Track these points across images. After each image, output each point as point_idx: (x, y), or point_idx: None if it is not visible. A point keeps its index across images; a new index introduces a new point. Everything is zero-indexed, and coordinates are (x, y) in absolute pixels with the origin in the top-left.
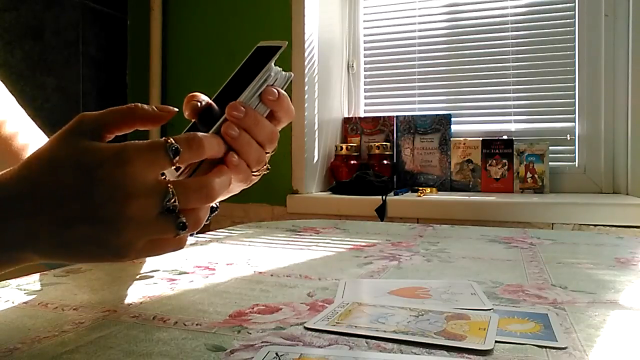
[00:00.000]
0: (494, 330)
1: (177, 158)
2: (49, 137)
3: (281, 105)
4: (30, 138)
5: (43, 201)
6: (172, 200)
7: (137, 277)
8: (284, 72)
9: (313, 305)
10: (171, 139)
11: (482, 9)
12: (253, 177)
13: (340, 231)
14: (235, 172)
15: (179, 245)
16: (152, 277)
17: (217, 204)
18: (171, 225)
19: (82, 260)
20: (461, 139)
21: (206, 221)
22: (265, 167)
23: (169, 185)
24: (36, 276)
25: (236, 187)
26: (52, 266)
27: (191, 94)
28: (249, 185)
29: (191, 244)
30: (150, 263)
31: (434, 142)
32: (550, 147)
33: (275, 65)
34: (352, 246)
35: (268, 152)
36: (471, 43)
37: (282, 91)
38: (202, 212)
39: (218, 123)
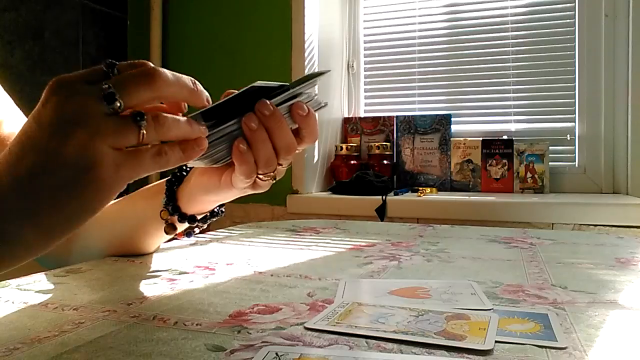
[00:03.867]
0: (494, 330)
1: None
2: None
3: (307, 122)
4: None
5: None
6: (107, 86)
7: (145, 276)
8: (318, 99)
9: (313, 305)
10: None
11: (482, 9)
12: (259, 179)
13: (340, 231)
14: (240, 160)
15: (158, 156)
16: (159, 276)
17: (222, 208)
18: (128, 122)
19: (64, 217)
20: (461, 139)
21: (208, 225)
22: (272, 174)
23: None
24: (36, 276)
25: (239, 182)
26: (52, 266)
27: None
28: (255, 191)
29: (191, 244)
30: (155, 263)
31: (434, 142)
32: (550, 147)
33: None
34: (352, 246)
35: (281, 164)
36: (471, 43)
37: (313, 111)
38: (167, 122)
39: (237, 119)
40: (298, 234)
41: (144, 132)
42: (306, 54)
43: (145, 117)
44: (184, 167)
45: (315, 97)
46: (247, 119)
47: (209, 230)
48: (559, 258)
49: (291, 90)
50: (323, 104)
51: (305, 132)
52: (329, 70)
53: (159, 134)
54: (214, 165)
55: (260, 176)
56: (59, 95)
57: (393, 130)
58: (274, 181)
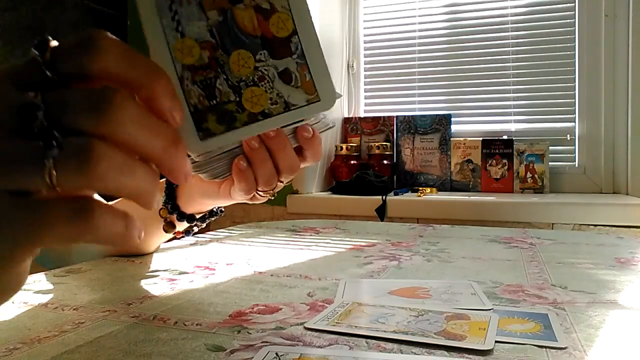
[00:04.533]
0: (494, 330)
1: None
2: None
3: (311, 145)
4: None
5: None
6: (33, 94)
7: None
8: (326, 120)
9: (313, 305)
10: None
11: (482, 9)
12: (258, 195)
13: (340, 231)
14: (239, 177)
15: (80, 215)
16: (157, 276)
17: (222, 208)
18: (33, 146)
19: None
20: (461, 139)
21: (207, 224)
22: (272, 192)
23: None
24: (36, 276)
25: (237, 196)
26: (52, 266)
27: None
28: (252, 202)
29: (191, 244)
30: (155, 263)
31: (434, 142)
32: (550, 147)
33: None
34: (352, 246)
35: (282, 181)
36: (471, 43)
37: (318, 133)
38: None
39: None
40: (298, 234)
41: (53, 171)
42: None
43: (62, 139)
44: None
45: (323, 118)
46: (250, 138)
47: (208, 230)
48: (559, 258)
49: (297, 113)
50: (331, 125)
51: (308, 153)
52: (341, 95)
53: (84, 177)
54: (214, 180)
55: (260, 192)
56: None
57: (393, 130)
58: (273, 198)
